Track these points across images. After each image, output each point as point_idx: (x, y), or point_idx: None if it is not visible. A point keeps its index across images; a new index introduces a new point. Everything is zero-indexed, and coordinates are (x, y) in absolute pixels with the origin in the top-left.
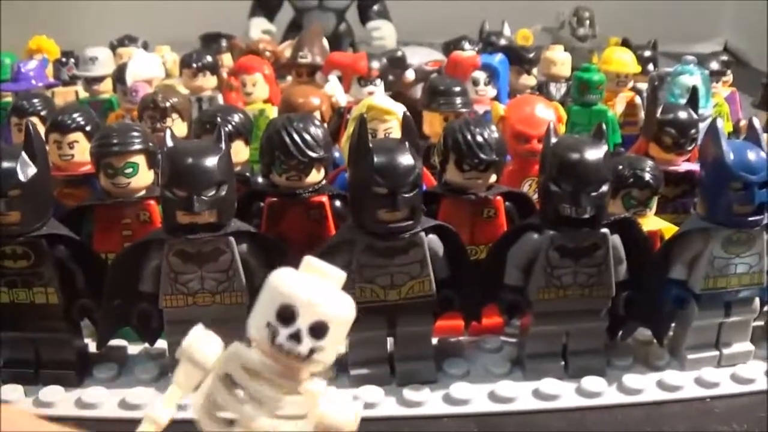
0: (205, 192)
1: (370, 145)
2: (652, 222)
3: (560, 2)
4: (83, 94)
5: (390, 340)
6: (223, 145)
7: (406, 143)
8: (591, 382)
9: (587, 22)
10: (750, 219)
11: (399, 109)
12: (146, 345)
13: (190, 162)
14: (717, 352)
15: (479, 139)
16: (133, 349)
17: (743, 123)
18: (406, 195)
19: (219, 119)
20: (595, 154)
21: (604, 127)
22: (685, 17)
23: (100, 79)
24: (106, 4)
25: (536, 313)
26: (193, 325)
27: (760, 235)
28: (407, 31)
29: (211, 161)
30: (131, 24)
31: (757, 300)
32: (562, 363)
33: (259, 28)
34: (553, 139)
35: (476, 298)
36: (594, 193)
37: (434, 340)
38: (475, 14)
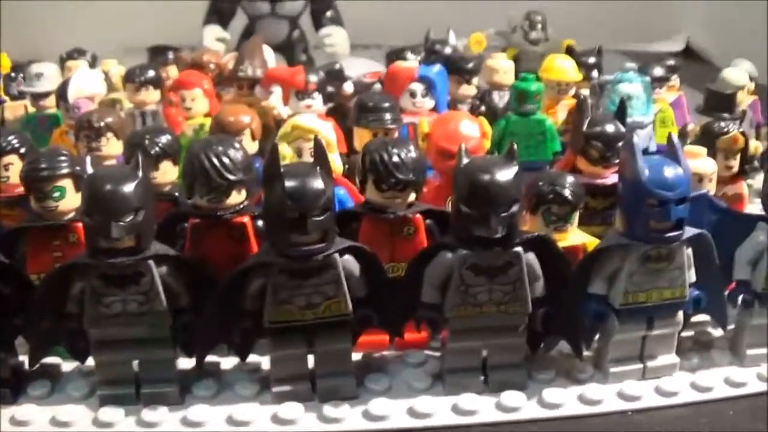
0: (123, 218)
1: (282, 169)
2: (574, 236)
3: (513, 5)
4: (32, 109)
5: (312, 357)
6: (140, 172)
7: (317, 167)
8: (510, 396)
9: (539, 26)
10: (668, 235)
11: (323, 127)
12: (79, 363)
13: (107, 189)
14: (641, 365)
15: (395, 159)
16: (67, 366)
17: (690, 127)
18: (317, 219)
19: (146, 141)
20: (504, 175)
21: (515, 146)
22: (647, 15)
23: (45, 95)
24: (61, 14)
25: (453, 330)
26: (119, 345)
27: (680, 249)
28: (360, 35)
29: (128, 188)
30: (85, 34)
31: (680, 313)
32: (482, 378)
33: (213, 35)
34: (465, 160)
35: (397, 314)
36: (504, 214)
37: (359, 355)
38: (430, 17)
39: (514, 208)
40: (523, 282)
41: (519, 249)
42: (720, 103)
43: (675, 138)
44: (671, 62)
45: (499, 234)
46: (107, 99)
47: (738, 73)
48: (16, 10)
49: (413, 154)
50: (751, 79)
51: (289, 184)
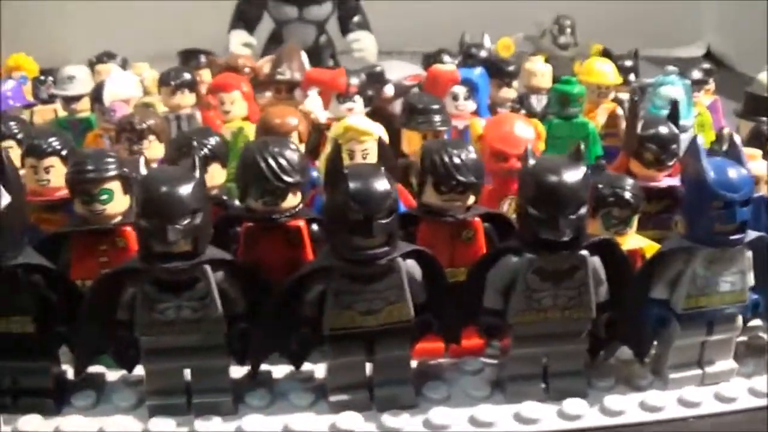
0: (179, 221)
1: (345, 171)
2: (632, 240)
3: (541, 11)
4: (62, 113)
5: (369, 366)
6: (197, 172)
7: (382, 168)
8: (572, 404)
9: (568, 30)
10: (732, 238)
11: (376, 129)
12: (125, 372)
13: (163, 191)
14: (700, 371)
15: (456, 161)
16: (112, 375)
17: (726, 131)
18: (382, 221)
19: (194, 143)
20: (573, 176)
21: (582, 146)
22: (668, 21)
23: (78, 98)
24: (86, 20)
25: (516, 336)
26: (171, 353)
27: (742, 252)
28: (388, 40)
29: (185, 189)
30: (111, 39)
31: (740, 317)
32: (543, 385)
33: (239, 40)
34: (531, 161)
35: (455, 320)
36: (572, 216)
37: (414, 363)
38: (456, 23)
39: (582, 210)
40: (588, 287)
41: (585, 252)
42: (760, 106)
43: (737, 138)
44: (706, 65)
45: (567, 237)
46: (140, 103)
47: None
48: (38, 14)
49: (473, 156)
50: None
51: (353, 185)
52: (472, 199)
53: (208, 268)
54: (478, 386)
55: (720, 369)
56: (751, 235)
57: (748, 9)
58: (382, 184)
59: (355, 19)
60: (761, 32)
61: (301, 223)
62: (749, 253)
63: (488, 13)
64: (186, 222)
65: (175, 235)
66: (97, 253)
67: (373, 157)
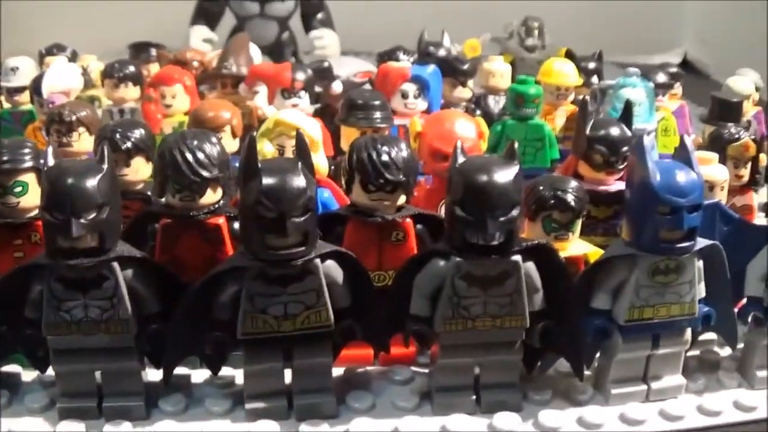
0: (84, 215)
1: (259, 165)
2: (575, 246)
3: (514, 13)
4: (7, 105)
5: (288, 372)
6: (105, 165)
7: (299, 164)
8: (503, 418)
9: (536, 32)
10: (679, 246)
11: (308, 124)
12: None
13: (68, 183)
14: (645, 386)
15: (385, 158)
16: (29, 375)
17: (693, 137)
18: (297, 219)
19: (117, 135)
20: (504, 176)
21: (516, 146)
22: (644, 28)
23: (20, 90)
24: (49, 13)
25: (443, 345)
26: (80, 354)
27: (690, 261)
28: (352, 40)
29: (91, 182)
30: (71, 33)
31: (688, 331)
32: (474, 397)
33: (200, 36)
34: (460, 159)
35: (383, 327)
36: (502, 219)
37: (340, 370)
38: (423, 24)
39: (514, 213)
40: (521, 294)
41: (518, 258)
42: (726, 111)
43: (688, 141)
44: (674, 69)
45: (497, 241)
46: (85, 95)
47: (744, 82)
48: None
49: (404, 153)
50: (757, 89)
51: (267, 181)
52: (402, 199)
53: (116, 265)
54: (406, 397)
55: (667, 385)
56: (702, 243)
57: (725, 18)
58: (297, 181)
59: (319, 16)
60: (737, 41)
61: (221, 220)
62: (700, 263)
63: (457, 13)
64: (92, 216)
65: (79, 230)
66: (11, 248)
67: None
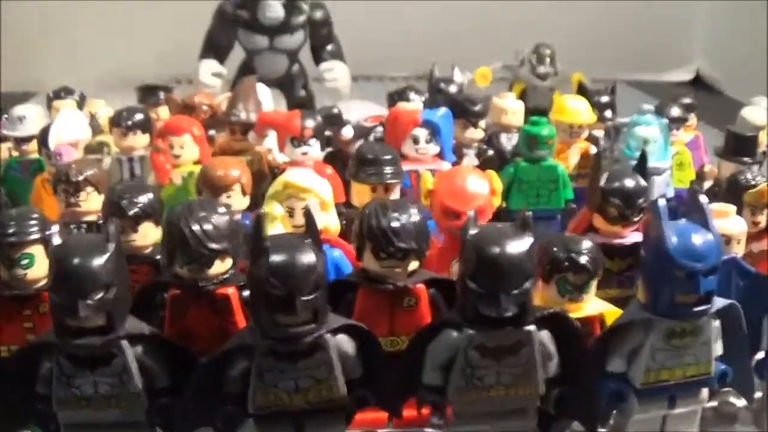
0: (91, 296)
1: (267, 243)
2: (590, 306)
3: (523, 38)
4: (15, 153)
5: None
6: (111, 244)
7: (308, 240)
8: None
9: (548, 60)
10: (695, 309)
11: (318, 185)
12: None
13: (73, 264)
14: None
15: (395, 225)
16: None
17: (708, 168)
18: (306, 298)
19: (124, 201)
20: (517, 247)
21: (529, 214)
22: (656, 45)
23: (29, 139)
24: (58, 44)
25: (457, 413)
26: (92, 429)
27: (707, 323)
28: (361, 64)
29: (97, 262)
30: (81, 66)
31: (705, 390)
32: None
33: (209, 70)
34: (472, 231)
35: (395, 393)
36: (515, 292)
37: None
38: (432, 48)
39: (527, 285)
40: (535, 363)
41: (531, 328)
42: (741, 145)
43: (704, 199)
44: (688, 100)
45: (510, 313)
46: (94, 142)
47: (758, 113)
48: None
49: (415, 218)
50: None
51: (275, 259)
52: (414, 265)
53: (125, 343)
54: None
55: None
56: (719, 303)
57: (737, 33)
58: (306, 258)
59: (329, 48)
60: (751, 56)
61: (231, 290)
62: (716, 323)
63: (467, 40)
64: (98, 297)
65: (86, 311)
66: (21, 319)
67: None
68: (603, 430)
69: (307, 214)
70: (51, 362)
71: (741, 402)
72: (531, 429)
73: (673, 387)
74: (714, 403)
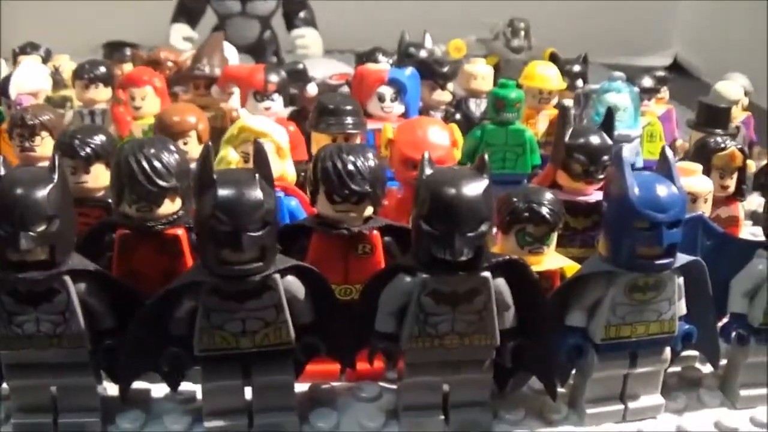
0: (33, 228)
1: (214, 176)
2: (551, 260)
3: (496, 12)
4: None
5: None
6: (55, 175)
7: (257, 175)
8: None
9: (522, 33)
10: (657, 263)
11: (275, 130)
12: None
13: (16, 194)
14: (621, 406)
15: (351, 168)
16: None
17: (679, 143)
18: (253, 234)
19: (76, 141)
20: (472, 189)
21: (487, 157)
22: (634, 29)
23: None
24: (26, 8)
25: (410, 363)
26: (34, 369)
27: (670, 278)
28: (334, 39)
29: (41, 193)
30: (50, 30)
31: (667, 349)
32: (442, 417)
33: (180, 34)
34: (428, 171)
35: (348, 343)
36: (470, 234)
37: (305, 386)
38: (407, 22)
39: (483, 228)
40: (491, 311)
41: (487, 274)
42: (714, 117)
43: (669, 152)
44: (661, 73)
45: (464, 257)
46: (57, 96)
47: (733, 87)
48: None
49: (371, 163)
50: (746, 93)
51: (222, 193)
52: (369, 210)
53: (67, 279)
54: (372, 415)
55: (645, 404)
56: (683, 259)
57: (715, 19)
58: (254, 193)
59: (301, 14)
60: (728, 42)
61: (180, 231)
62: (680, 280)
63: (443, 14)
64: (41, 229)
65: (28, 243)
66: None
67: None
68: (562, 389)
69: (258, 150)
70: None
71: (706, 368)
72: (487, 382)
73: (634, 344)
74: (678, 369)
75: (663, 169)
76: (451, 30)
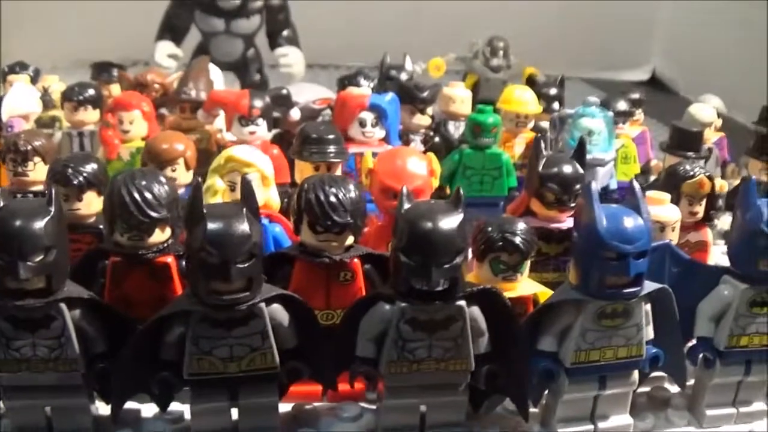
0: (31, 258)
1: (204, 210)
2: (524, 286)
3: (481, 32)
4: None
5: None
6: (52, 207)
7: (244, 209)
8: None
9: (501, 52)
10: (625, 291)
11: (260, 160)
12: None
13: (15, 226)
14: (591, 426)
15: (333, 200)
16: None
17: (654, 163)
18: (241, 266)
19: (69, 170)
20: (448, 223)
21: (462, 192)
22: (613, 44)
23: None
24: (16, 23)
25: (389, 387)
26: (30, 391)
27: (638, 305)
28: (317, 53)
29: (38, 225)
30: (36, 45)
31: (635, 372)
32: None
33: (165, 51)
34: (406, 205)
35: (330, 366)
36: (447, 266)
37: (288, 406)
38: (388, 38)
39: (458, 260)
40: (466, 338)
41: (462, 303)
42: (686, 141)
43: (636, 185)
44: (636, 95)
45: (441, 287)
46: (46, 116)
47: (705, 110)
48: None
49: (352, 194)
50: (719, 115)
51: (211, 227)
52: (350, 240)
53: (63, 306)
54: None
55: (614, 424)
56: (650, 286)
57: (693, 35)
58: (242, 227)
59: (284, 33)
60: (705, 57)
61: (170, 259)
62: (647, 306)
63: (423, 31)
64: (39, 259)
65: (27, 273)
66: None
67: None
68: (534, 409)
69: (245, 184)
70: None
71: (675, 387)
72: (462, 404)
73: (603, 367)
74: (647, 389)
75: (631, 200)
76: (431, 48)
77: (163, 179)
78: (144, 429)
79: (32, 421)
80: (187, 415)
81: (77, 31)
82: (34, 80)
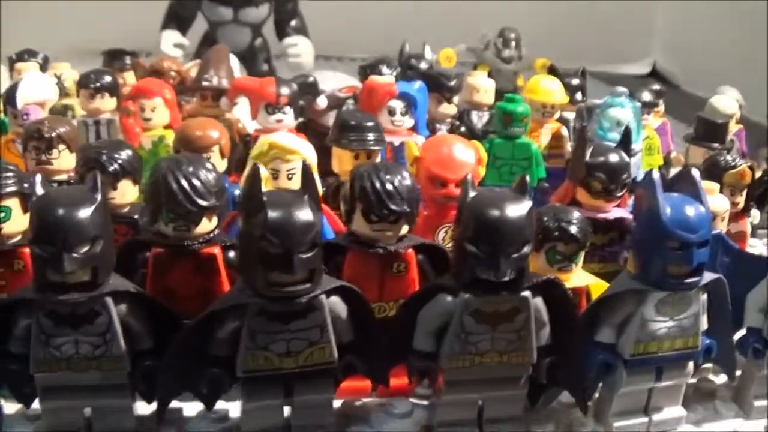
0: (77, 249)
1: (264, 198)
2: (578, 277)
3: (487, 22)
4: None
5: (288, 408)
6: (98, 195)
7: (305, 196)
8: None
9: (513, 43)
10: (687, 281)
11: (304, 147)
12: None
13: (59, 215)
14: (646, 419)
15: (389, 187)
16: (10, 407)
17: (674, 155)
18: (304, 256)
19: (103, 158)
20: (517, 211)
21: (527, 179)
22: (614, 38)
23: None
24: (14, 12)
25: (449, 381)
26: (70, 391)
27: (696, 295)
28: (326, 45)
29: (84, 214)
30: (37, 33)
31: (691, 363)
32: (477, 431)
33: (170, 41)
34: (471, 193)
35: (384, 361)
36: (515, 256)
37: (338, 402)
38: (397, 30)
39: (526, 249)
40: (529, 330)
41: (527, 294)
42: (712, 132)
43: (696, 173)
44: (657, 86)
45: (508, 277)
46: (59, 105)
47: (728, 101)
48: None
49: (407, 182)
50: (739, 107)
51: (273, 215)
52: (405, 229)
53: (109, 300)
54: (407, 430)
55: (668, 416)
56: (708, 276)
57: (694, 28)
58: (304, 215)
59: (293, 23)
60: (706, 51)
61: (216, 250)
62: (704, 297)
63: (433, 22)
64: (84, 250)
65: (72, 265)
66: None
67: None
68: (588, 403)
69: (305, 171)
70: (29, 320)
71: (719, 379)
72: (521, 397)
73: (660, 359)
74: (693, 380)
75: (690, 189)
76: (441, 38)
77: (210, 165)
78: (188, 429)
79: (70, 423)
80: (232, 414)
81: (80, 21)
82: (43, 68)
